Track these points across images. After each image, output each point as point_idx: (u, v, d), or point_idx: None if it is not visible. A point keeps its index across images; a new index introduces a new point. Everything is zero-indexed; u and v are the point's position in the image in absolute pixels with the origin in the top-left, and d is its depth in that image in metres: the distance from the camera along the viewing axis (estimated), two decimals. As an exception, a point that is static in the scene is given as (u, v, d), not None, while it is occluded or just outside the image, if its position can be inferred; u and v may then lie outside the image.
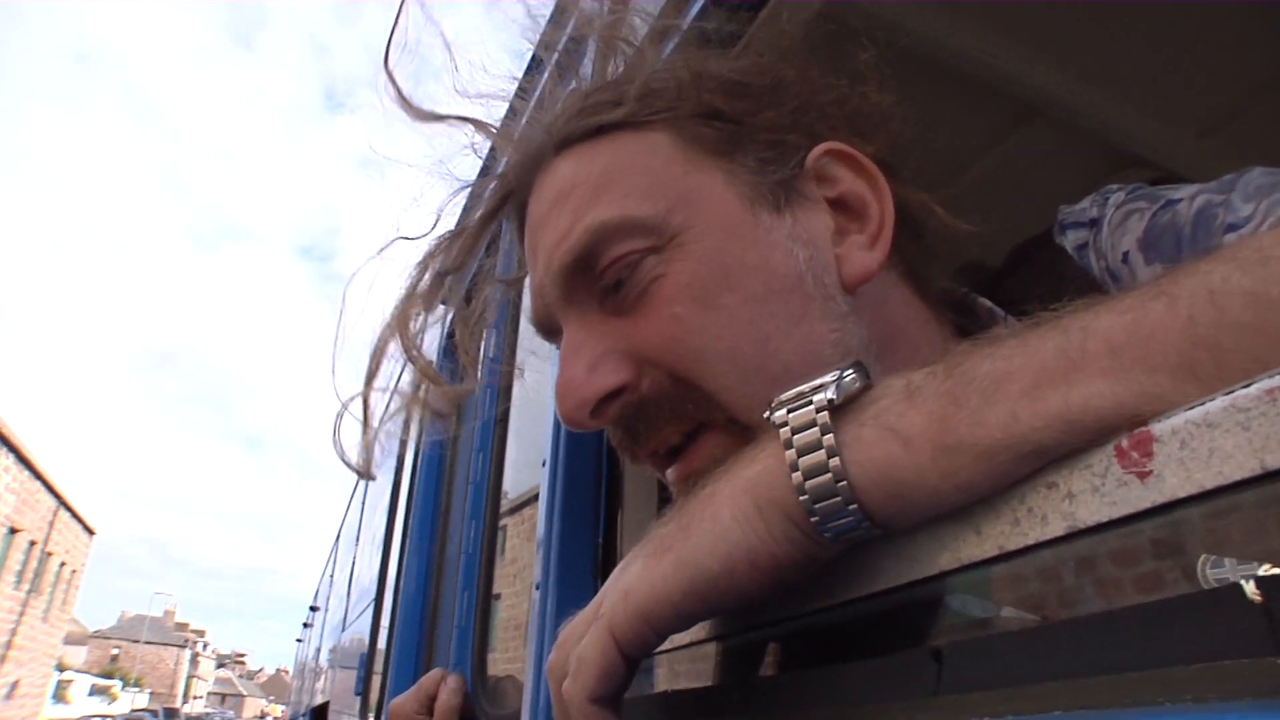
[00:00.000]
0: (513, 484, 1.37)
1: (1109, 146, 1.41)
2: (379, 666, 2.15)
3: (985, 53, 1.25)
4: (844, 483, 0.42)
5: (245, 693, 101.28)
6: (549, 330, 0.72)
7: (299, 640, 7.12)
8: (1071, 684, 0.33)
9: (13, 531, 31.11)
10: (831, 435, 0.42)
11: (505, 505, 1.42)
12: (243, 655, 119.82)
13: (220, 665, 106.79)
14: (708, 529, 0.46)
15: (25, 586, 33.95)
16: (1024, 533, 0.38)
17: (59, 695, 44.82)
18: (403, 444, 2.25)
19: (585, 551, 0.86)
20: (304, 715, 5.56)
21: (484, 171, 0.82)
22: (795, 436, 0.44)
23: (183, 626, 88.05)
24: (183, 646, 79.69)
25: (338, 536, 4.97)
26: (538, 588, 0.87)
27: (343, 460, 0.86)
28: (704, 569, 0.46)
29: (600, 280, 0.64)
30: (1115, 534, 0.34)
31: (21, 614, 33.97)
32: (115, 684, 60.12)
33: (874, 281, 0.65)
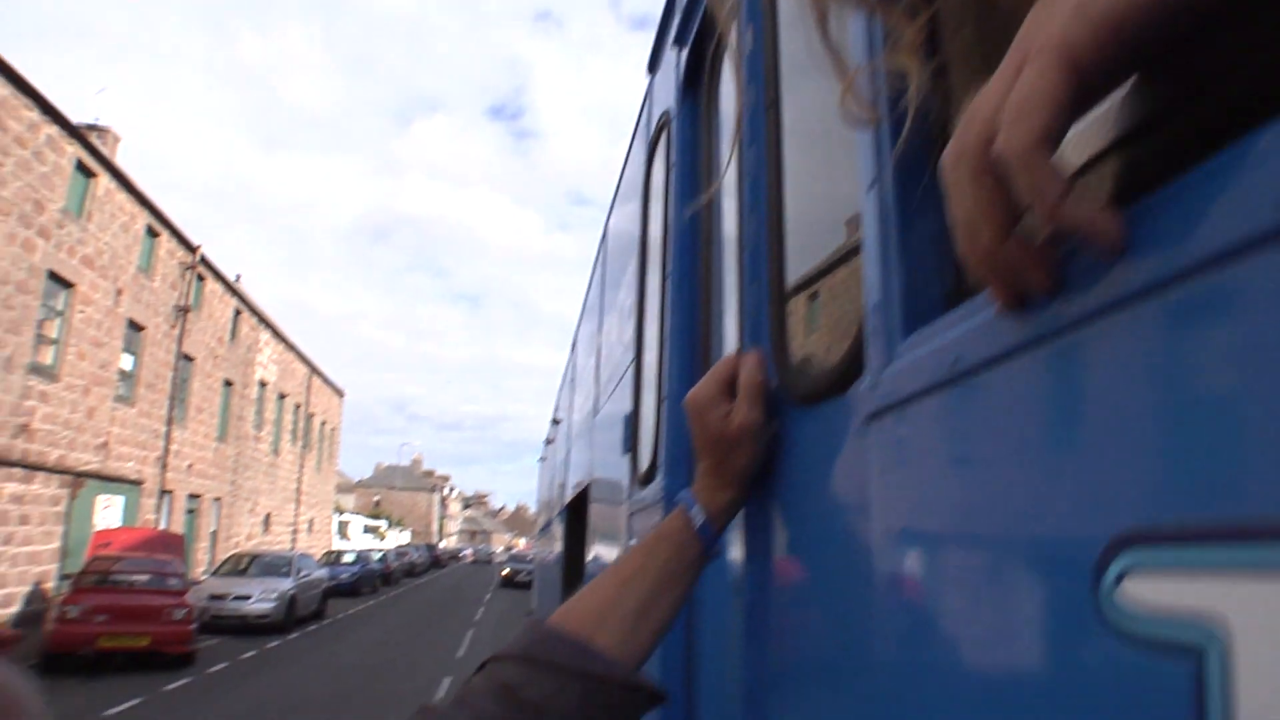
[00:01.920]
0: (794, 172, 1.34)
1: None
2: (648, 418, 2.28)
3: None
4: None
5: (490, 529, 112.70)
6: None
7: (542, 459, 7.71)
8: None
9: (282, 396, 35.51)
10: None
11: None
12: (485, 496, 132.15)
13: (466, 506, 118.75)
14: None
15: (300, 443, 38.97)
16: None
17: (341, 532, 51.82)
18: (648, 177, 2.29)
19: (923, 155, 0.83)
20: (559, 514, 6.06)
21: None
22: None
23: (430, 474, 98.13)
24: (432, 491, 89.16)
25: (573, 343, 5.23)
26: (870, 187, 0.86)
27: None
28: None
29: None
30: None
31: (302, 466, 39.20)
32: (382, 524, 68.70)
33: None
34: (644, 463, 2.32)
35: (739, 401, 1.21)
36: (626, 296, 2.72)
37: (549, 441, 6.86)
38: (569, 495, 5.25)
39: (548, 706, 0.85)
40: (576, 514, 4.95)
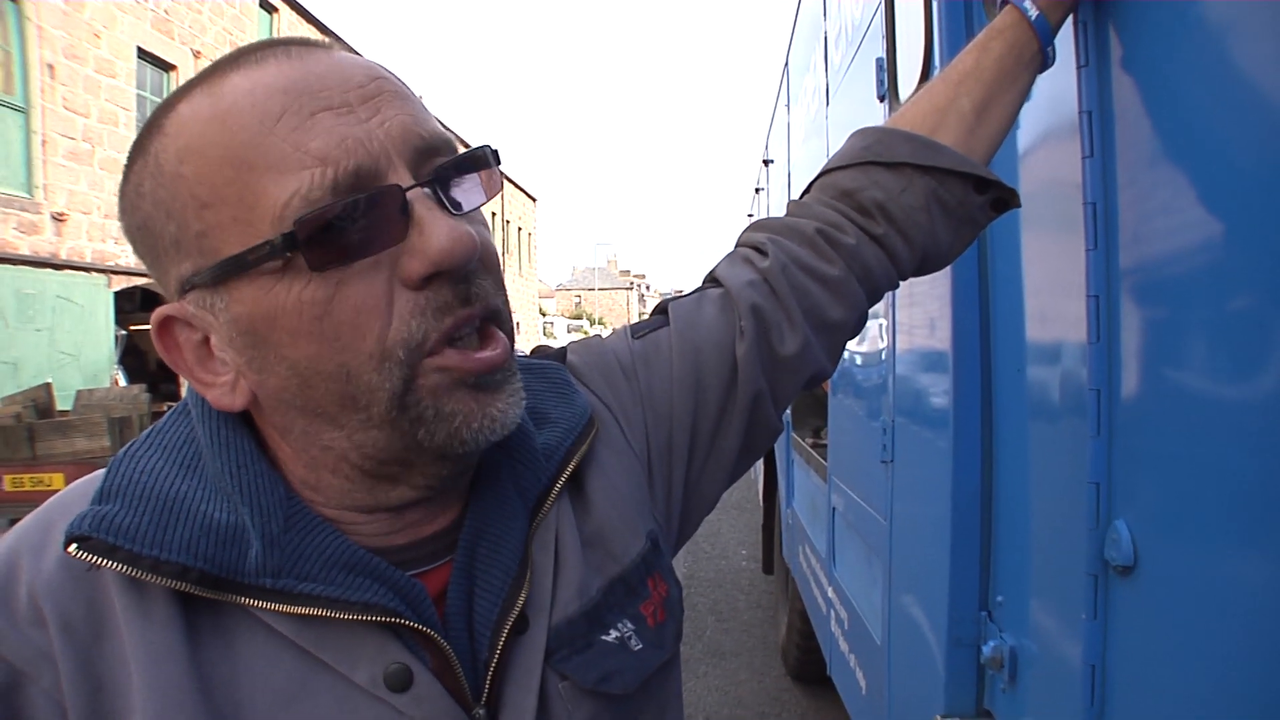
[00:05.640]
0: None
1: None
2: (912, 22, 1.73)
3: None
4: None
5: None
6: None
7: (750, 215, 7.23)
8: None
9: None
10: None
11: None
12: (681, 292, 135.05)
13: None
14: None
15: (500, 249, 40.76)
16: None
17: (545, 332, 54.76)
18: None
19: None
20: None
21: None
22: None
23: (626, 273, 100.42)
24: (629, 289, 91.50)
25: (784, 70, 4.55)
26: None
27: None
28: None
29: None
30: None
31: (503, 270, 41.13)
32: (583, 323, 71.83)
33: None
34: (909, 89, 1.77)
35: None
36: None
37: (758, 190, 6.36)
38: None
39: (891, 207, 0.78)
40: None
